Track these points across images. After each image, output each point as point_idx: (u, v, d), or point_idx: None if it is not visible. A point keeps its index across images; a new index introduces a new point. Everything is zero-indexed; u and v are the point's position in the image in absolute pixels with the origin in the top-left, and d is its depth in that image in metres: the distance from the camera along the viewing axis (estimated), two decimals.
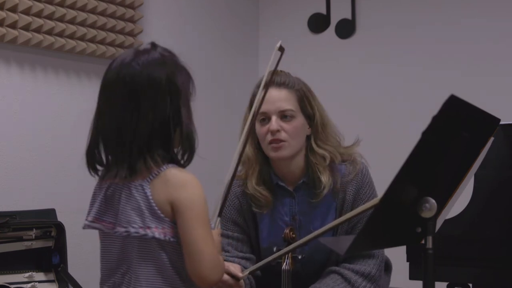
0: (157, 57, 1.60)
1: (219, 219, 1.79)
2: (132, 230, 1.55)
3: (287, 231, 2.14)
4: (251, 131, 2.18)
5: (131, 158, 1.55)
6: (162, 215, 1.54)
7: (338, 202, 2.21)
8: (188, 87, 1.62)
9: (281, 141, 2.16)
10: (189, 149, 1.60)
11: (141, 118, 1.54)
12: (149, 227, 1.54)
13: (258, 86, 2.08)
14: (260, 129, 2.20)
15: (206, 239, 1.54)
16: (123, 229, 1.56)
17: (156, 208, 1.54)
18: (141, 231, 1.54)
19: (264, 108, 2.16)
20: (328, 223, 2.22)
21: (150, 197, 1.54)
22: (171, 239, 1.55)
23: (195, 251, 1.53)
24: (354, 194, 2.20)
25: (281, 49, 1.96)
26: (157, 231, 1.54)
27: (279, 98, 2.17)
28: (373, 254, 2.17)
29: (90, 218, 1.64)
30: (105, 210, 1.62)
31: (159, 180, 1.55)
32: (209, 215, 1.59)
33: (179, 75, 1.60)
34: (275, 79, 2.18)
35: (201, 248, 1.53)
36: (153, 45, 1.63)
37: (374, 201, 1.81)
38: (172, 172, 1.56)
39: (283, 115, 2.17)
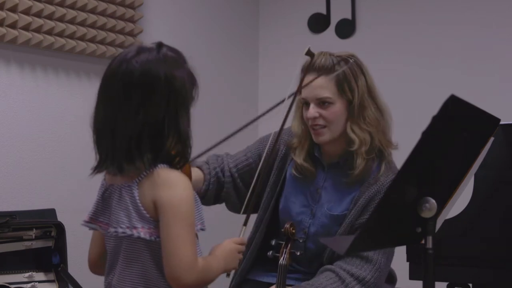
0: (157, 57, 1.57)
1: (244, 228, 1.76)
2: (120, 230, 1.55)
3: (287, 225, 2.14)
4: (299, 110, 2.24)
5: (120, 155, 1.54)
6: (147, 215, 1.54)
7: (357, 194, 2.18)
8: (189, 91, 1.59)
9: (321, 127, 2.18)
10: (182, 154, 1.58)
11: (131, 116, 1.53)
12: (135, 227, 1.54)
13: (302, 70, 2.15)
14: (305, 113, 2.22)
15: (184, 240, 1.50)
16: (113, 229, 1.57)
17: (141, 208, 1.54)
18: (128, 231, 1.55)
19: (304, 94, 2.19)
20: (342, 210, 2.21)
21: (137, 198, 1.54)
22: (157, 239, 1.54)
23: (170, 250, 1.51)
24: (373, 195, 2.16)
25: (309, 53, 1.94)
26: (143, 231, 1.54)
27: (316, 86, 2.16)
28: (371, 259, 2.12)
29: (86, 218, 1.65)
30: (101, 211, 1.63)
31: (148, 180, 1.54)
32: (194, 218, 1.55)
33: (179, 78, 1.57)
34: (315, 62, 2.16)
35: (177, 248, 1.50)
36: (159, 45, 1.61)
37: None
38: (160, 172, 1.55)
39: (321, 102, 2.17)
